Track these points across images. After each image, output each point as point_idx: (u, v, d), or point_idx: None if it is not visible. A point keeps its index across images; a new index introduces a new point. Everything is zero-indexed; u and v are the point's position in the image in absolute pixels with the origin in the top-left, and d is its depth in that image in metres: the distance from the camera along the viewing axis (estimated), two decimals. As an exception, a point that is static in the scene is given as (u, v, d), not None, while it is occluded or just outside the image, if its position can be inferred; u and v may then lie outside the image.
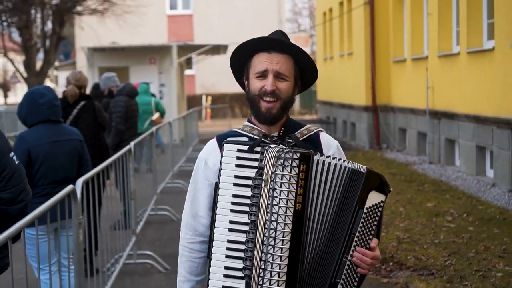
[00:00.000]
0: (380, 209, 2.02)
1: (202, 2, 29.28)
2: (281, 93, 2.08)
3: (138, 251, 5.65)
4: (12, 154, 2.82)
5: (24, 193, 2.81)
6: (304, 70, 2.15)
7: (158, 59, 17.01)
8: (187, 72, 25.29)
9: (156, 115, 11.11)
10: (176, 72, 17.09)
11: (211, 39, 24.13)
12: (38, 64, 22.15)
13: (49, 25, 22.02)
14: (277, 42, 2.09)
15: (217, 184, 2.03)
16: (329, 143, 2.18)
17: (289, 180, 1.95)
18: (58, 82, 32.47)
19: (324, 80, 19.96)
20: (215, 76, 27.98)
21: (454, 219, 6.95)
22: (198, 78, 29.53)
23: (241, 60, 2.15)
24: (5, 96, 37.33)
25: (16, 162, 2.82)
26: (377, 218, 2.01)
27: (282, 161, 1.96)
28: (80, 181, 3.64)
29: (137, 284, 5.21)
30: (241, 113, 27.69)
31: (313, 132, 2.17)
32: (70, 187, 3.30)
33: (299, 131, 2.15)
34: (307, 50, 39.57)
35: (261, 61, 2.09)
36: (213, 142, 2.16)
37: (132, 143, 5.59)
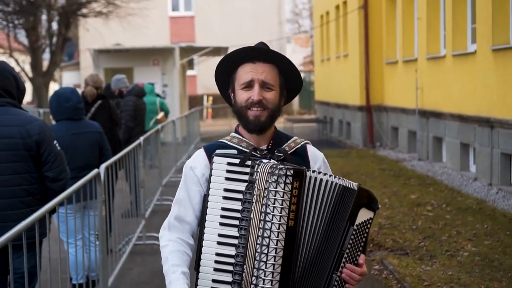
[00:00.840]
0: (368, 226, 2.05)
1: (203, 4, 29.83)
2: (268, 102, 2.09)
3: (146, 233, 6.33)
4: (55, 141, 3.49)
5: (65, 173, 3.48)
6: (289, 78, 2.16)
7: (161, 61, 17.67)
8: (189, 72, 25.92)
9: (160, 115, 11.75)
10: (178, 73, 17.75)
11: (212, 40, 24.76)
12: (44, 65, 22.82)
13: (54, 26, 22.69)
14: (261, 51, 2.10)
15: (205, 196, 2.04)
16: (316, 156, 2.20)
17: (282, 197, 1.96)
18: (62, 82, 33.03)
19: (322, 81, 20.61)
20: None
21: (433, 208, 7.61)
22: (200, 78, 30.12)
23: (225, 73, 2.16)
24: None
25: (58, 148, 3.49)
26: (365, 234, 2.04)
27: (275, 177, 1.96)
28: (103, 166, 4.32)
29: (146, 262, 5.88)
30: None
31: (300, 145, 2.18)
32: (95, 171, 3.98)
33: (286, 143, 2.16)
34: (307, 50, 40.08)
35: (246, 72, 2.10)
36: (200, 152, 2.15)
37: (142, 138, 6.28)
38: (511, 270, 5.16)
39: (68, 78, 31.80)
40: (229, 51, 17.10)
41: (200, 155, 2.13)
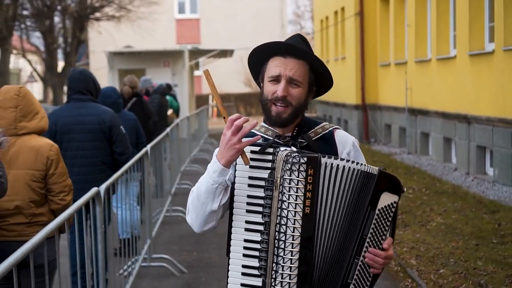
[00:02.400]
0: (393, 209, 2.03)
1: (208, 6, 30.96)
2: (293, 99, 2.08)
3: (172, 207, 7.64)
4: (121, 126, 4.77)
5: (128, 149, 4.75)
6: (320, 76, 2.16)
7: (171, 62, 18.93)
8: (195, 73, 27.20)
9: (169, 111, 13.01)
10: (187, 73, 19.01)
11: (216, 41, 25.98)
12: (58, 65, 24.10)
13: (69, 30, 23.97)
14: (292, 48, 2.09)
15: (233, 184, 2.06)
16: (345, 140, 2.17)
17: (297, 185, 1.96)
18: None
19: (321, 81, 21.80)
20: (220, 77, 29.83)
21: (414, 191, 8.87)
22: (205, 79, 31.35)
23: (258, 62, 2.17)
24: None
25: (124, 131, 4.76)
26: (389, 218, 2.02)
27: (289, 165, 1.96)
28: (148, 146, 5.63)
29: (173, 228, 7.17)
30: (245, 112, 29.55)
31: (327, 131, 2.16)
32: (144, 150, 5.25)
33: (313, 130, 2.15)
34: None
35: (275, 65, 2.10)
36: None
37: (168, 129, 7.59)
38: (468, 235, 6.41)
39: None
40: (235, 53, 18.60)
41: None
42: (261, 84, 2.16)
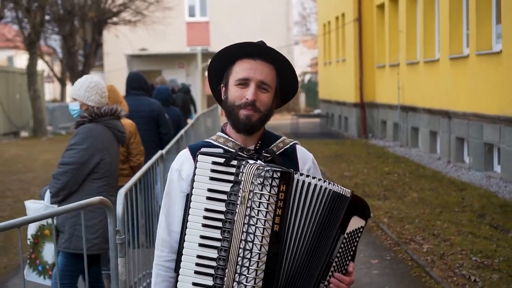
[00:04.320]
0: (359, 234, 1.97)
1: (217, 10, 32.45)
2: (261, 105, 2.00)
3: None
4: (165, 114, 6.32)
5: (170, 131, 6.30)
6: (285, 82, 2.08)
7: (185, 64, 20.53)
8: (206, 74, 28.70)
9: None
10: (200, 74, 20.60)
11: (225, 44, 27.34)
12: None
13: (88, 33, 25.57)
14: (263, 49, 2.01)
15: (188, 196, 1.93)
16: (305, 157, 2.12)
17: (268, 200, 1.87)
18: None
19: (324, 81, 23.41)
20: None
21: (398, 175, 10.39)
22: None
23: (222, 64, 2.06)
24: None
25: (167, 118, 6.31)
26: (355, 243, 1.97)
27: (261, 179, 1.87)
28: (182, 131, 7.20)
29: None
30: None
31: (289, 145, 2.10)
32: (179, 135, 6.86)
33: (274, 144, 2.08)
34: (314, 53, 42.70)
35: (244, 68, 2.00)
36: (185, 152, 2.07)
37: (191, 122, 9.12)
38: (435, 205, 7.92)
39: (94, 79, 34.77)
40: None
41: (184, 155, 2.06)
42: (223, 89, 2.06)
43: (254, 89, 1.99)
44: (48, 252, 3.60)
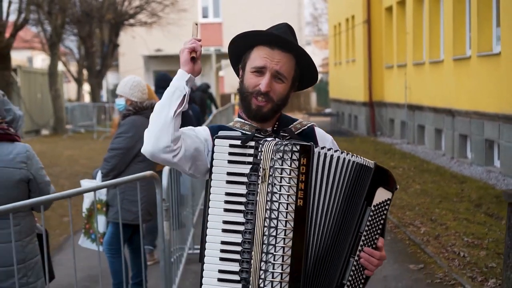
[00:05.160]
0: (386, 207, 1.92)
1: (230, 11, 33.15)
2: (275, 95, 1.97)
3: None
4: (189, 110, 7.02)
5: (193, 125, 7.02)
6: (304, 73, 2.03)
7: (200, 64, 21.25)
8: (219, 73, 29.44)
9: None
10: (214, 74, 21.32)
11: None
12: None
13: (105, 35, 26.38)
14: (281, 40, 1.95)
15: (207, 182, 1.90)
16: (324, 137, 2.09)
17: (289, 174, 1.82)
18: (107, 81, 36.78)
19: (335, 81, 24.05)
20: (242, 78, 32.04)
21: (403, 169, 11.03)
22: (227, 78, 33.61)
23: (241, 48, 2.02)
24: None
25: (191, 113, 7.00)
26: (383, 216, 1.92)
27: (281, 154, 1.82)
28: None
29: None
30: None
31: (307, 126, 2.07)
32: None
33: (292, 125, 2.06)
34: (326, 53, 43.34)
35: (260, 56, 1.96)
36: (204, 129, 2.07)
37: (210, 118, 9.81)
38: (436, 196, 8.55)
39: (110, 79, 35.77)
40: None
41: (204, 130, 2.06)
42: (241, 72, 2.04)
43: (268, 79, 1.96)
44: (100, 223, 4.31)
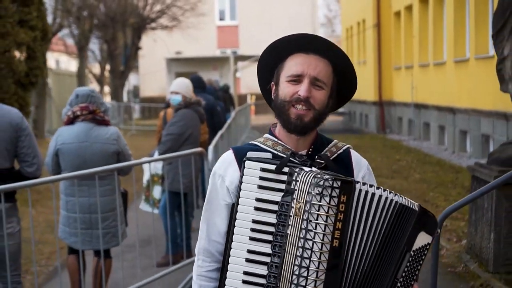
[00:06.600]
0: (425, 252, 1.78)
1: (246, 13, 34.14)
2: (316, 102, 1.81)
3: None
4: (217, 106, 8.24)
5: (220, 120, 8.23)
6: (343, 80, 1.88)
7: (219, 66, 22.49)
8: (236, 75, 30.59)
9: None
10: (232, 76, 22.55)
11: (253, 46, 29.26)
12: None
13: (129, 38, 27.68)
14: (318, 41, 1.83)
15: (234, 206, 1.78)
16: (360, 163, 1.94)
17: (327, 212, 1.68)
18: (129, 82, 38.08)
19: (347, 81, 25.07)
20: (257, 80, 33.03)
21: (407, 162, 12.16)
22: (243, 80, 34.72)
23: (271, 61, 1.89)
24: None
25: (219, 109, 8.23)
26: (421, 262, 1.78)
27: (320, 189, 1.68)
28: (219, 133, 9.07)
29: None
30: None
31: (342, 150, 1.91)
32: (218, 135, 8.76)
33: (327, 148, 1.90)
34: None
35: (296, 63, 1.83)
36: (229, 156, 1.88)
37: (232, 116, 11.01)
38: (433, 183, 9.67)
39: (131, 80, 37.16)
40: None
41: (229, 159, 1.87)
42: (273, 88, 1.90)
43: (308, 85, 1.81)
44: (157, 191, 5.52)
